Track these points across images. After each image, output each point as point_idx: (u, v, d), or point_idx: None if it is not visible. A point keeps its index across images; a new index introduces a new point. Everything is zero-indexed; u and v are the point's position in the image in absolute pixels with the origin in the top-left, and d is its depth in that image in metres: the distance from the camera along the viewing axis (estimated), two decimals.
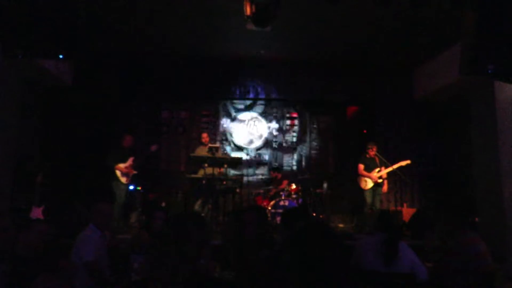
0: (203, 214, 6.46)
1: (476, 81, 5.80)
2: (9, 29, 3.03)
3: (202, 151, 6.96)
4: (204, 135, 7.24)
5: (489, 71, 3.35)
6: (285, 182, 7.30)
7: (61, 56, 3.30)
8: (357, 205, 7.12)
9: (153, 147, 6.73)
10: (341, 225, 7.51)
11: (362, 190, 6.84)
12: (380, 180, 6.79)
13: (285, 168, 8.47)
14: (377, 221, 3.10)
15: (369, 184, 6.78)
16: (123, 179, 6.38)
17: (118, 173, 6.35)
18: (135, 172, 6.53)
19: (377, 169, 6.80)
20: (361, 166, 6.86)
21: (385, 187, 6.93)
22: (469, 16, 3.44)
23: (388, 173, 6.84)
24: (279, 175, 7.67)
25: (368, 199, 6.78)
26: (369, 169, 6.83)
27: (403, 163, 6.75)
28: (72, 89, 7.18)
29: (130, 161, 6.49)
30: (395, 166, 6.74)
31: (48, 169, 6.43)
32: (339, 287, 1.40)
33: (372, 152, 6.85)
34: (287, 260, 2.68)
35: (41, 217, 5.56)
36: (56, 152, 7.12)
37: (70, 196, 6.59)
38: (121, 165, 6.39)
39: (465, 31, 3.48)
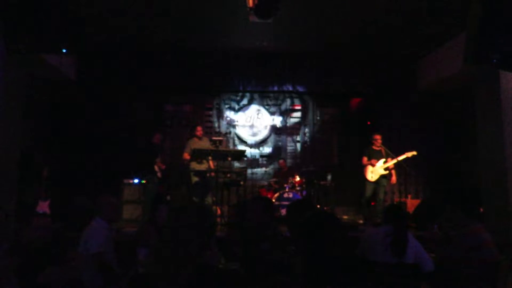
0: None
1: (481, 71, 5.76)
2: (12, 24, 3.04)
3: (195, 144, 6.84)
4: (199, 127, 7.07)
5: (494, 61, 3.32)
6: (290, 173, 7.32)
7: (64, 50, 3.31)
8: (361, 197, 7.11)
9: (156, 138, 6.77)
10: (345, 217, 7.53)
11: (368, 182, 6.84)
12: (386, 172, 6.77)
13: (289, 160, 8.47)
14: (386, 213, 3.11)
15: (375, 176, 6.77)
16: (159, 174, 6.57)
17: (156, 168, 6.51)
18: (164, 167, 6.71)
19: (383, 160, 6.78)
20: (365, 158, 6.86)
21: (393, 178, 6.90)
22: (474, 5, 3.40)
23: (395, 164, 6.82)
24: (286, 167, 7.70)
25: (376, 190, 6.78)
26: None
27: (409, 154, 6.71)
28: (76, 83, 7.20)
29: (159, 157, 6.73)
30: (402, 157, 6.70)
31: (53, 163, 6.48)
32: (344, 276, 1.41)
33: (378, 143, 6.82)
34: (293, 249, 2.71)
35: (48, 210, 5.62)
36: (61, 146, 7.16)
37: (75, 190, 6.64)
38: (158, 161, 6.60)
39: (470, 20, 3.45)
